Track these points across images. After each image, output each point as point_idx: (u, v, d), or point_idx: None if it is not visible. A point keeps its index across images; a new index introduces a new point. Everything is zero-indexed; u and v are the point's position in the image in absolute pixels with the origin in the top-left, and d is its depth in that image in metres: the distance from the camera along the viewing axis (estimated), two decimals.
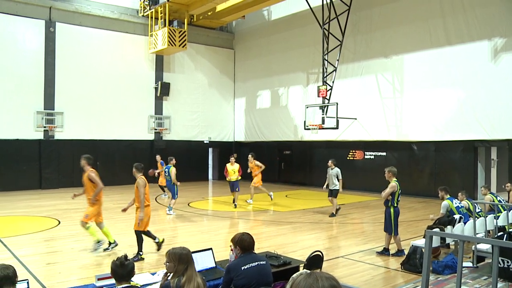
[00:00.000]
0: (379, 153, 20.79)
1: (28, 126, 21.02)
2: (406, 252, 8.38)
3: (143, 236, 8.83)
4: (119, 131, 23.48)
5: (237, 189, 15.79)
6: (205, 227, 12.58)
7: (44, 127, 21.37)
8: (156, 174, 17.92)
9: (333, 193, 13.94)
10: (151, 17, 23.90)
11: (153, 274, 5.94)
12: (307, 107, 21.14)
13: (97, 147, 22.15)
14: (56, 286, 7.03)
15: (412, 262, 7.85)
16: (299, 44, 24.16)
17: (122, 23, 23.92)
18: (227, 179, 16.11)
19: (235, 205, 15.79)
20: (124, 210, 9.32)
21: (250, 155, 17.11)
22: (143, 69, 24.64)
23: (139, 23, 24.42)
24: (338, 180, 13.84)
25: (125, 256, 4.16)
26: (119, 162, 23.05)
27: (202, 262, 5.88)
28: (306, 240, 10.71)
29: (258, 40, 26.99)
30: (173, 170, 14.10)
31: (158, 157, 18.95)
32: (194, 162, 25.84)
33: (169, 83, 25.13)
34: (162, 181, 17.52)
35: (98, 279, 5.40)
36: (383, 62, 20.45)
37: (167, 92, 25.10)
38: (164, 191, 18.30)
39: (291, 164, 25.08)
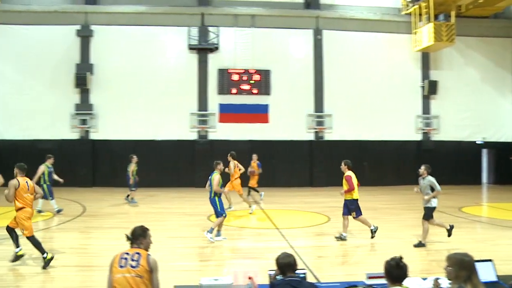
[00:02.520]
0: None
1: (301, 127, 22.75)
2: None
3: (33, 242, 8.11)
4: (385, 131, 23.31)
5: (353, 214, 10.41)
6: (480, 235, 11.42)
7: (315, 129, 22.80)
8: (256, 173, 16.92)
9: (425, 213, 9.92)
10: (415, 14, 23.08)
11: (424, 279, 5.60)
12: None
13: (364, 148, 22.59)
14: (327, 279, 7.22)
15: None
16: None
17: (384, 23, 23.73)
18: None
19: (373, 231, 10.37)
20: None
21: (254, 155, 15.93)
22: (408, 68, 23.98)
23: (402, 21, 23.81)
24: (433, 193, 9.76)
25: (401, 257, 3.97)
26: (387, 163, 23.08)
27: (480, 273, 5.26)
28: None
29: None
30: (216, 178, 10.46)
31: (254, 156, 17.30)
32: (465, 164, 23.95)
33: (436, 81, 23.87)
34: (252, 183, 16.70)
35: (369, 277, 5.32)
36: None
37: (435, 91, 23.87)
38: (257, 192, 17.23)
39: None
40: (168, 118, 22.21)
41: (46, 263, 7.95)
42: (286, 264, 4.33)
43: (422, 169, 9.89)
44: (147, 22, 22.41)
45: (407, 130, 23.83)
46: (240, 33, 22.66)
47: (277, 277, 4.56)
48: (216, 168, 10.69)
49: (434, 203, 9.82)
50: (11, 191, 8.00)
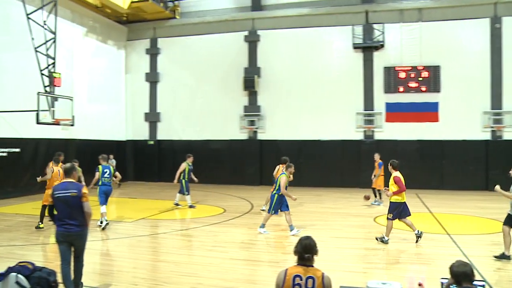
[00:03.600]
0: None
1: (475, 126, 20.95)
2: None
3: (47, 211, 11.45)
4: None
5: (389, 215, 10.02)
6: None
7: (492, 127, 20.78)
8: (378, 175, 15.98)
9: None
10: None
11: None
12: None
13: None
14: None
15: None
16: None
17: None
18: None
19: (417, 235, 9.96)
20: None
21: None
22: None
23: None
24: None
25: None
26: None
27: None
28: None
29: None
30: (283, 179, 10.85)
31: (376, 156, 16.39)
32: None
33: None
34: (377, 183, 15.74)
35: None
36: None
37: None
38: (375, 196, 15.96)
39: None
40: (333, 118, 22.32)
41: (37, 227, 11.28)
42: (462, 273, 4.01)
43: None
44: (310, 24, 22.81)
45: None
46: (407, 28, 21.73)
47: (450, 286, 4.24)
48: (287, 170, 11.40)
49: None
50: (49, 173, 11.49)
